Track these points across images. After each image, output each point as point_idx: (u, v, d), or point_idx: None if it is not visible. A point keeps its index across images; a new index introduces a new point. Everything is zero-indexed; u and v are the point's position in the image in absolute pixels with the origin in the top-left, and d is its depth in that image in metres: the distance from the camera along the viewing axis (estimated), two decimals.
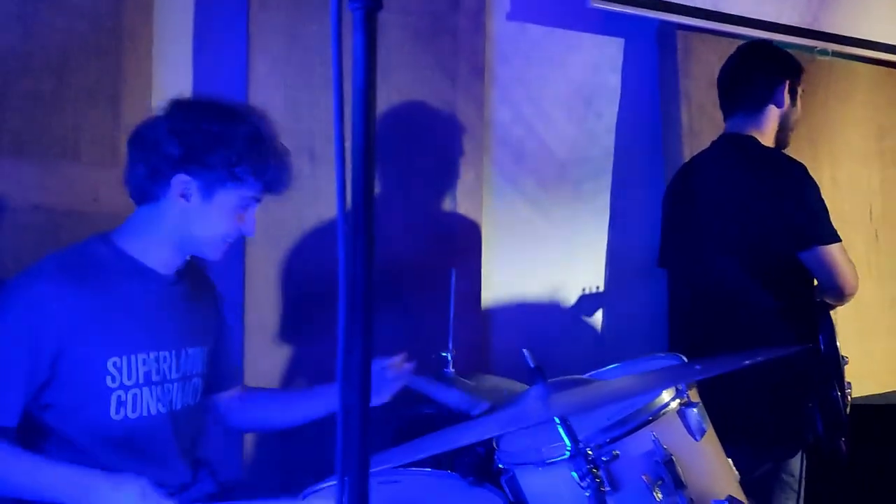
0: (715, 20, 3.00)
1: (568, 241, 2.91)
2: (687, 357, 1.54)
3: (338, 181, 0.63)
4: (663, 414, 1.33)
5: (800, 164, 2.23)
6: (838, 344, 2.20)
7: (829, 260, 2.14)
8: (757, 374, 2.11)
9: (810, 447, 2.17)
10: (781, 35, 3.12)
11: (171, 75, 2.19)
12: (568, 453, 1.19)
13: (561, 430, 1.19)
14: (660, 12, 2.91)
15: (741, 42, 2.60)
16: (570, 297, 2.90)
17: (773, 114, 2.28)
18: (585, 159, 2.94)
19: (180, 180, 1.60)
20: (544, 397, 1.21)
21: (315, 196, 2.35)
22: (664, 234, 2.51)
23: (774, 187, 2.17)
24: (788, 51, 2.44)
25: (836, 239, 2.16)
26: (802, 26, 3.20)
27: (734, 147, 2.29)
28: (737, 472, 1.48)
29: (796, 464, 2.16)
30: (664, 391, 1.34)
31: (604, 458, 1.22)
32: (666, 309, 2.58)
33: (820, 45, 3.27)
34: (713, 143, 2.40)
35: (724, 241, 2.24)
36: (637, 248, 2.90)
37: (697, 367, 1.38)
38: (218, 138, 1.58)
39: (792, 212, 2.15)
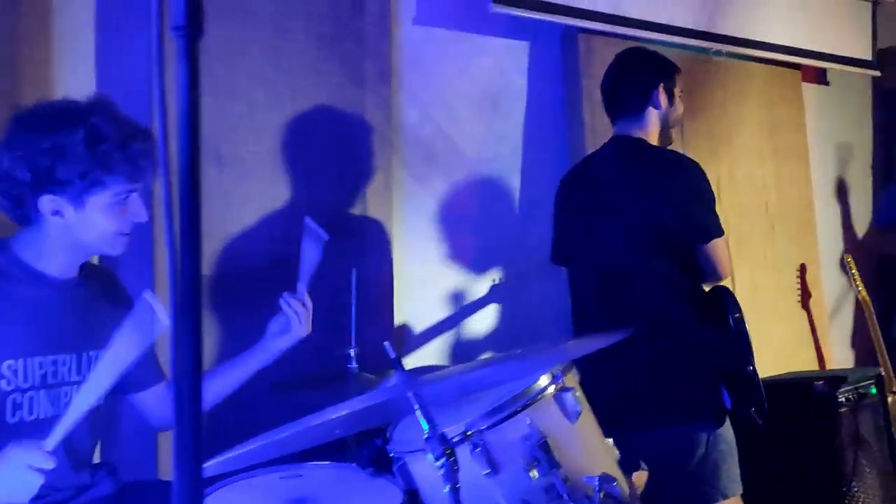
0: (615, 24, 3.13)
1: (478, 238, 3.00)
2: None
3: (164, 197, 0.68)
4: (540, 399, 1.42)
5: (693, 160, 2.37)
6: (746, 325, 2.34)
7: (718, 251, 2.30)
8: (665, 356, 2.24)
9: (732, 418, 2.29)
10: (678, 37, 3.27)
11: (72, 81, 2.18)
12: (426, 436, 1.26)
13: (419, 414, 1.26)
14: (562, 17, 3.02)
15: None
16: (481, 292, 2.99)
17: (653, 115, 2.40)
18: (494, 158, 3.04)
19: (46, 201, 1.56)
20: (401, 384, 1.28)
21: (222, 198, 2.38)
22: (558, 233, 2.60)
23: (672, 184, 2.29)
24: (678, 52, 2.55)
25: (723, 231, 2.32)
26: (698, 28, 3.36)
27: (626, 148, 2.40)
28: (616, 452, 1.57)
29: (727, 432, 2.27)
30: (542, 377, 1.43)
31: (455, 439, 1.30)
32: None
33: (715, 46, 3.43)
34: (604, 145, 2.50)
35: (624, 238, 2.34)
36: (545, 242, 3.01)
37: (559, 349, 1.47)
38: (57, 154, 1.52)
39: (691, 208, 2.29)
